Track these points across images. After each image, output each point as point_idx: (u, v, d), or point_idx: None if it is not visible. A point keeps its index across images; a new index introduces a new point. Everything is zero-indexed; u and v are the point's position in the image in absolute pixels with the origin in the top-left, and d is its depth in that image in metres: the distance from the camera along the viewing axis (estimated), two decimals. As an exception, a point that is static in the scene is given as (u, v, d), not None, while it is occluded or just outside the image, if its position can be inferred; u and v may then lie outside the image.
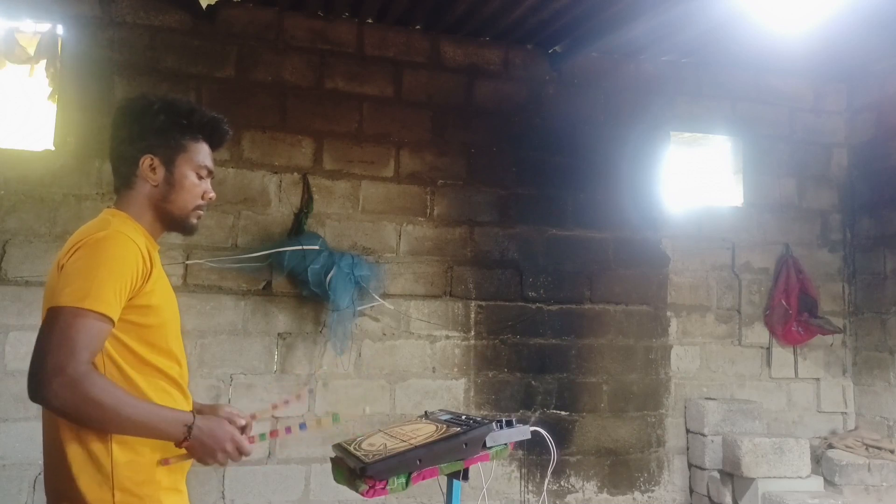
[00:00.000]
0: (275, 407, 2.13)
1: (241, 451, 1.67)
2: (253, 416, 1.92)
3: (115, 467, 1.58)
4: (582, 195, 4.88)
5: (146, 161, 1.74)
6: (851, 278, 5.34)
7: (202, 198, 1.81)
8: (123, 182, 1.77)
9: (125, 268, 1.58)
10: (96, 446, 1.57)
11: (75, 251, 1.59)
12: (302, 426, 1.88)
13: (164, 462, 1.64)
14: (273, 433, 1.88)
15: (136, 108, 1.78)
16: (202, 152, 1.81)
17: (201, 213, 1.84)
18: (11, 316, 3.88)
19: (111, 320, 1.55)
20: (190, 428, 1.59)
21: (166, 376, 1.69)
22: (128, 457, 1.59)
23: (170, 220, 1.79)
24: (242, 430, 1.78)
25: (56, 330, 1.49)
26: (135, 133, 1.75)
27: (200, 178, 1.80)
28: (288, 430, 1.86)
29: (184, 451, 1.64)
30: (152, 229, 1.78)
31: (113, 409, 1.51)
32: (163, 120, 1.75)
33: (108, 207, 1.79)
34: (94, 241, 1.59)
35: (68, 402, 1.47)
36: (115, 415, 1.51)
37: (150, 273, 1.65)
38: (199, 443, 1.61)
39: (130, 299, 1.60)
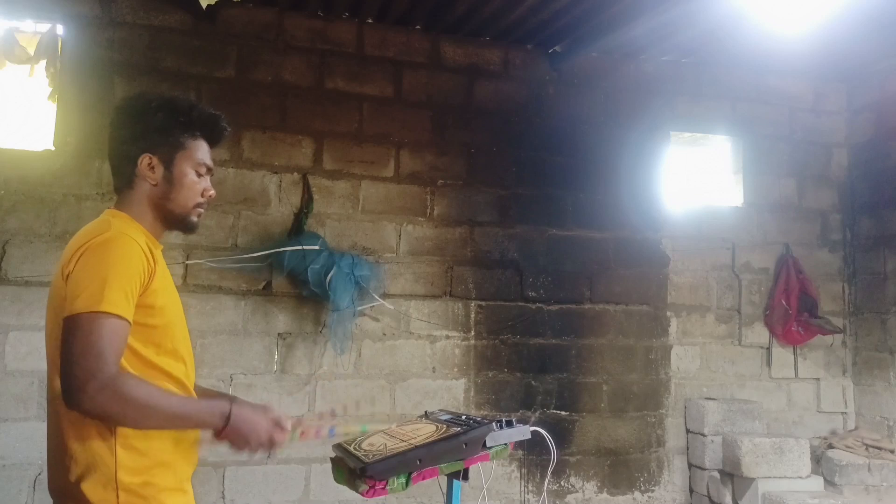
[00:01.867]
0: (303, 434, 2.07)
1: (273, 443, 1.70)
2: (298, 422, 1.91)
3: (119, 468, 1.57)
4: (582, 195, 4.88)
5: (145, 160, 1.73)
6: (851, 278, 5.34)
7: (202, 195, 1.80)
8: (123, 182, 1.77)
9: (132, 268, 1.58)
10: (100, 447, 1.57)
11: (80, 256, 1.58)
12: (331, 432, 1.89)
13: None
14: (304, 434, 1.89)
15: (134, 106, 1.78)
16: (201, 150, 1.80)
17: (202, 210, 1.83)
18: (11, 316, 3.88)
19: (127, 321, 1.55)
20: (228, 417, 1.62)
21: (171, 377, 1.68)
22: (132, 458, 1.59)
23: (171, 219, 1.79)
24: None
25: (79, 338, 1.49)
26: (133, 132, 1.75)
27: (200, 175, 1.80)
28: (318, 432, 1.87)
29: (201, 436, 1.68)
30: (153, 229, 1.77)
31: (151, 405, 1.53)
32: (161, 118, 1.74)
33: (109, 209, 1.78)
34: (98, 244, 1.59)
35: (106, 405, 1.48)
36: (154, 411, 1.54)
37: (154, 272, 1.65)
38: (234, 431, 1.64)
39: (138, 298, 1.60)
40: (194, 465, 1.75)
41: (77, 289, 1.54)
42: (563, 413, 4.71)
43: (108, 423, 1.55)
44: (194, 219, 1.82)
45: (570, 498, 4.67)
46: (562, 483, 4.66)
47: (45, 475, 1.79)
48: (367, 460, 2.01)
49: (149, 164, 1.74)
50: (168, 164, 1.75)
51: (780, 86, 5.33)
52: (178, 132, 1.76)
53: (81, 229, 1.70)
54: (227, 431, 1.63)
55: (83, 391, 1.46)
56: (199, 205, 1.81)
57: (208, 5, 4.00)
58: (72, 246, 1.64)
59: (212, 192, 1.83)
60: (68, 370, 1.48)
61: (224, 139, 1.90)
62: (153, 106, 1.75)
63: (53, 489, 1.65)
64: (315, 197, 4.40)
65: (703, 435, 4.69)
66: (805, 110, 5.39)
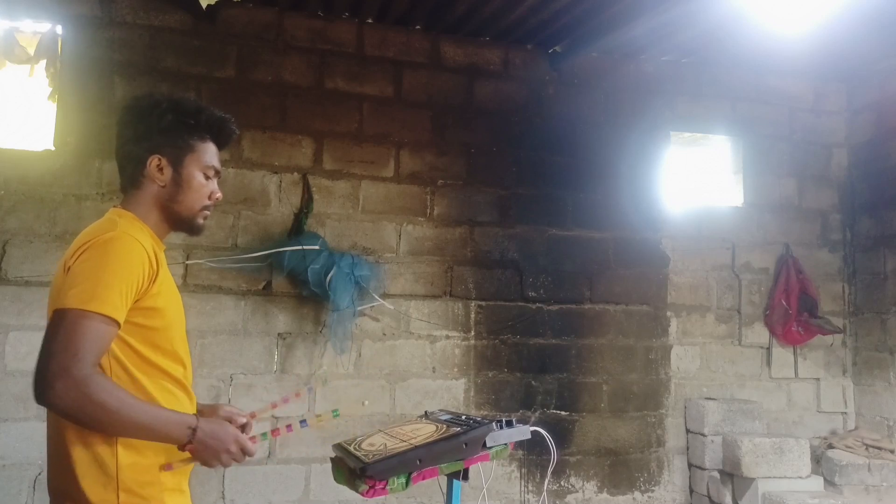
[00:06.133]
0: (274, 406, 2.14)
1: (245, 452, 1.66)
2: (252, 415, 1.92)
3: (120, 469, 1.57)
4: (582, 195, 4.88)
5: (154, 161, 1.73)
6: (851, 278, 5.34)
7: (209, 198, 1.80)
8: (130, 182, 1.76)
9: (132, 270, 1.57)
10: (101, 447, 1.57)
11: (82, 252, 1.58)
12: (303, 423, 1.88)
13: (166, 467, 1.63)
14: (275, 431, 1.87)
15: (143, 107, 1.77)
16: (209, 152, 1.79)
17: (208, 213, 1.82)
18: (11, 316, 3.88)
19: (117, 323, 1.54)
20: (194, 430, 1.58)
21: (171, 377, 1.69)
22: (132, 458, 1.59)
23: (176, 221, 1.78)
24: (242, 428, 1.78)
25: (61, 332, 1.49)
26: (142, 132, 1.74)
27: (208, 178, 1.79)
28: (289, 427, 1.86)
29: (187, 454, 1.63)
30: (158, 229, 1.77)
31: (116, 411, 1.49)
32: (170, 119, 1.73)
33: (115, 207, 1.78)
34: (101, 242, 1.58)
35: (72, 404, 1.46)
36: (119, 417, 1.50)
37: (157, 275, 1.64)
38: (202, 445, 1.59)
39: (136, 301, 1.59)
40: (191, 465, 1.74)
41: (72, 283, 1.53)
42: (563, 413, 4.71)
43: (72, 422, 1.53)
44: (200, 221, 1.81)
45: (570, 498, 4.67)
46: (562, 483, 4.66)
47: (45, 475, 1.79)
48: (367, 460, 2.01)
49: (157, 165, 1.73)
50: (177, 166, 1.74)
51: (780, 86, 5.33)
52: (188, 134, 1.76)
53: (87, 227, 1.70)
54: (193, 445, 1.58)
55: (51, 387, 1.45)
56: (205, 207, 1.80)
57: (208, 5, 4.01)
58: (76, 242, 1.64)
59: (219, 194, 1.83)
60: (42, 363, 1.47)
61: (232, 142, 1.89)
62: (163, 107, 1.74)
63: (53, 489, 1.65)
64: (315, 197, 4.40)
65: (703, 435, 4.69)
66: (805, 110, 5.40)
